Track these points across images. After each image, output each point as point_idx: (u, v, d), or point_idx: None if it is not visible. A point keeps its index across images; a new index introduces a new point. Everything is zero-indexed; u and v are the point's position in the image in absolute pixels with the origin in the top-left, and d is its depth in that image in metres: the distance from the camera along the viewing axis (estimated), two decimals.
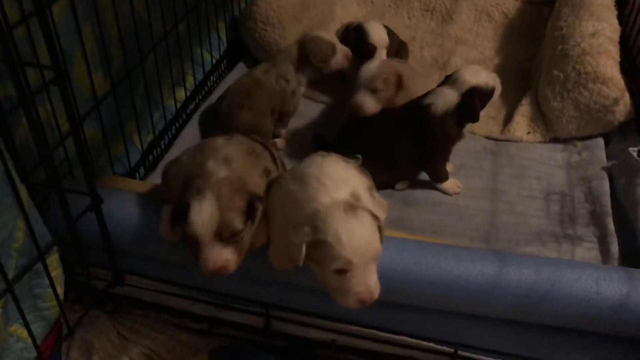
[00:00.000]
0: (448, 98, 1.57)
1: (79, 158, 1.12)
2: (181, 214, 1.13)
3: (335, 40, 1.88)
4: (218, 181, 1.15)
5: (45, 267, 1.11)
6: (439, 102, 1.57)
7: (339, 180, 1.14)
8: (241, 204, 1.13)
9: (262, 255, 1.19)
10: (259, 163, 1.27)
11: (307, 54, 1.83)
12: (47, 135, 1.15)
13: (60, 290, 1.25)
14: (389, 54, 2.06)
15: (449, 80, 1.60)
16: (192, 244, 1.13)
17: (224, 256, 1.12)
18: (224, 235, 1.11)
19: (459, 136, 1.63)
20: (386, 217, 1.25)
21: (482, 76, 1.58)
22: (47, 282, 1.16)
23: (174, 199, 1.19)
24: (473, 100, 1.55)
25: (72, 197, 1.19)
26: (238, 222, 1.12)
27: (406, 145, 1.63)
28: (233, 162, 1.20)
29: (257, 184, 1.21)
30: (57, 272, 1.25)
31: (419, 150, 1.63)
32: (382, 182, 1.63)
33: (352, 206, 1.08)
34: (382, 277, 1.16)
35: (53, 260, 1.23)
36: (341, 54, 1.86)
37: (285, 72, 1.84)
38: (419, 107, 1.60)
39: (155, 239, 1.23)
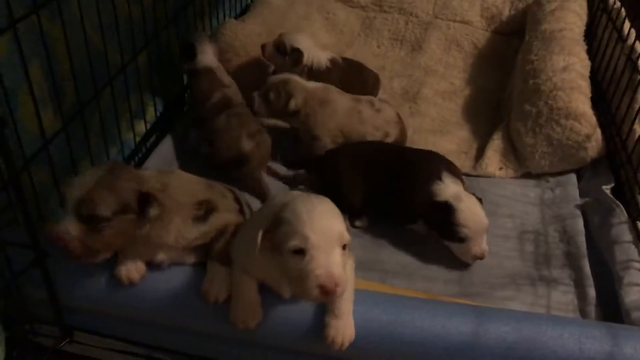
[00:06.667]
0: None
1: (21, 213, 1.02)
2: None
3: None
4: (119, 168, 1.10)
5: None
6: None
7: None
8: (123, 194, 1.05)
9: (224, 310, 1.11)
10: (201, 193, 1.20)
11: None
12: None
13: (1, 350, 1.14)
14: (365, 86, 2.02)
15: None
16: None
17: (68, 228, 1.02)
18: (83, 211, 1.02)
19: None
20: (356, 259, 1.21)
21: None
22: None
23: None
24: None
25: (16, 249, 1.09)
26: (104, 207, 1.02)
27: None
28: (171, 185, 1.14)
29: (181, 201, 1.14)
30: None
31: None
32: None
33: None
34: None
35: None
36: None
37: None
38: None
39: (107, 292, 1.14)
